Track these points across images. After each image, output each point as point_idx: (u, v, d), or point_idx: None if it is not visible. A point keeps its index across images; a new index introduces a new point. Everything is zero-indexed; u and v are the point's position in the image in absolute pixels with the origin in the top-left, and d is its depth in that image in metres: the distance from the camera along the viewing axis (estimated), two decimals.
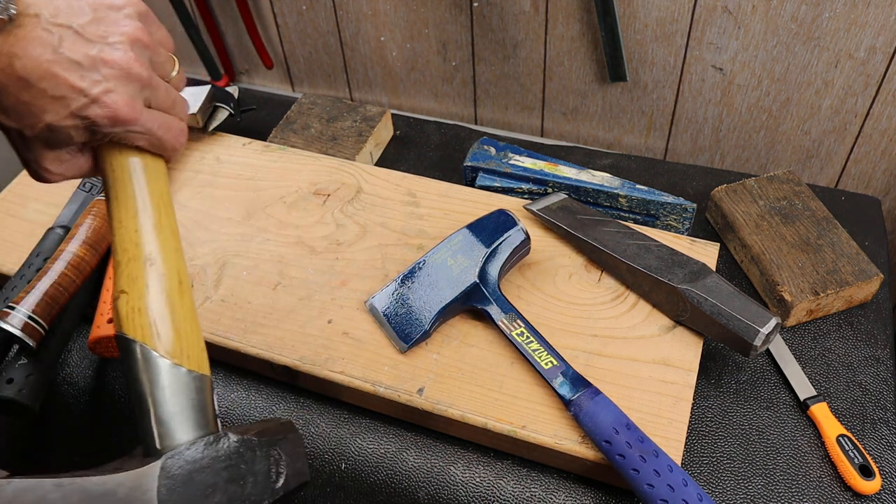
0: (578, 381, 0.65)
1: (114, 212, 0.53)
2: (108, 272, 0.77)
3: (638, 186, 0.88)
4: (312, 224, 0.84)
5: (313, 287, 0.78)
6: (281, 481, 0.51)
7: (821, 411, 0.73)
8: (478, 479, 0.70)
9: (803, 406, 0.74)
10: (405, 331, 0.71)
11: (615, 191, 0.87)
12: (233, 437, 0.48)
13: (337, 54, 1.22)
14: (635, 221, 0.88)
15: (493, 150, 0.94)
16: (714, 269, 0.74)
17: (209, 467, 0.47)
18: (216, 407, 0.51)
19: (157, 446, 0.48)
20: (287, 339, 0.74)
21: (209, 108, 0.96)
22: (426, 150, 1.07)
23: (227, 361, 0.79)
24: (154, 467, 0.45)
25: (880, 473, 0.69)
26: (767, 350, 0.79)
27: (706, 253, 0.78)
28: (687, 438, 0.71)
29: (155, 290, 0.51)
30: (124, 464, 0.47)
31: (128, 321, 0.50)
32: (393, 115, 1.10)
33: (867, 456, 0.69)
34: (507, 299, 0.71)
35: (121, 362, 0.50)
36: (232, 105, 0.98)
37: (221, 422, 0.71)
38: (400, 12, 1.11)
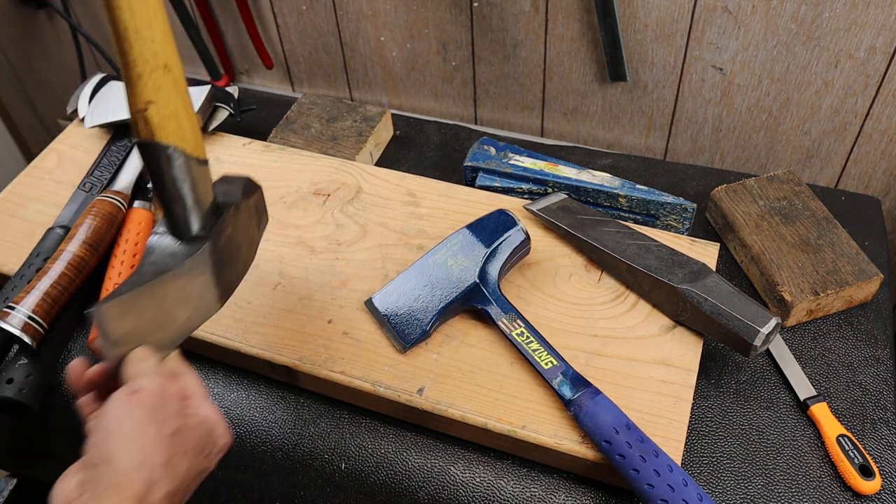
0: (578, 381, 0.65)
1: (128, 23, 0.52)
2: (108, 272, 0.77)
3: (638, 186, 0.88)
4: (312, 224, 0.84)
5: (313, 287, 0.78)
6: (263, 224, 0.68)
7: (821, 411, 0.73)
8: (478, 479, 0.70)
9: (803, 406, 0.74)
10: (405, 331, 0.71)
11: (615, 191, 0.87)
12: (242, 204, 0.62)
13: (337, 54, 1.22)
14: (635, 221, 0.88)
15: (493, 150, 0.94)
16: (714, 269, 0.74)
17: (236, 231, 0.61)
18: None
19: (194, 231, 0.58)
20: (287, 339, 0.74)
21: (209, 108, 0.96)
22: (426, 150, 1.07)
23: (227, 361, 0.79)
24: (206, 247, 0.57)
25: (880, 473, 0.69)
26: (767, 350, 0.79)
27: (706, 253, 0.78)
28: (687, 438, 0.71)
29: (176, 96, 0.55)
30: (173, 252, 0.57)
31: (160, 129, 0.54)
32: (393, 115, 1.10)
33: (867, 456, 0.69)
34: (507, 299, 0.71)
35: (149, 167, 0.56)
36: (232, 105, 0.98)
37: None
38: (400, 12, 1.11)
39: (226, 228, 0.59)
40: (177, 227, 0.57)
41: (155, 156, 0.55)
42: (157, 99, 0.54)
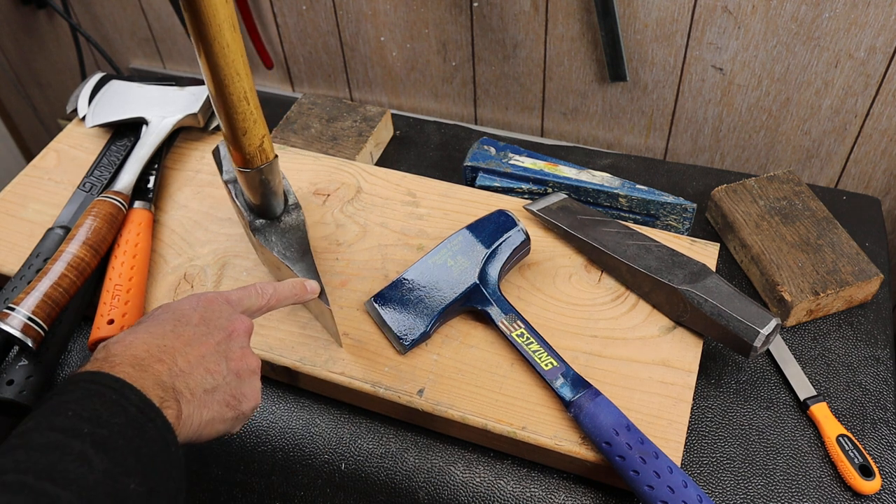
0: (578, 383, 0.65)
1: (245, 87, 0.63)
2: (108, 273, 0.77)
3: (638, 186, 0.88)
4: (312, 224, 0.84)
5: None
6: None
7: (821, 411, 0.73)
8: (478, 480, 0.70)
9: (803, 406, 0.74)
10: (405, 332, 0.71)
11: (615, 191, 0.87)
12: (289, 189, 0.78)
13: (337, 54, 1.22)
14: (635, 221, 0.88)
15: (493, 150, 0.94)
16: (714, 269, 0.74)
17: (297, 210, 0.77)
18: None
19: (280, 209, 0.75)
20: (287, 340, 0.74)
21: (209, 108, 0.96)
22: (426, 150, 1.07)
23: None
24: (300, 209, 0.76)
25: (880, 473, 0.69)
26: (767, 350, 0.79)
27: (706, 253, 0.78)
28: (687, 439, 0.71)
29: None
30: (282, 230, 0.73)
31: (270, 149, 0.69)
32: (393, 115, 1.10)
33: (867, 456, 0.69)
34: (507, 300, 0.71)
35: (264, 179, 0.70)
36: None
37: None
38: (400, 12, 1.11)
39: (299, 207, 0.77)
40: (272, 213, 0.74)
41: (270, 170, 0.70)
42: (265, 130, 0.67)
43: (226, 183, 0.77)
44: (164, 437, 0.46)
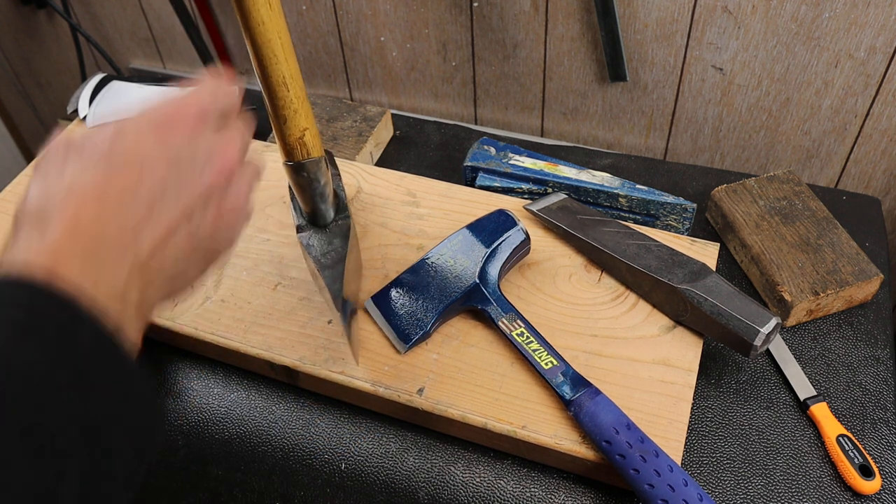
0: (578, 382, 0.65)
1: (284, 71, 0.60)
2: None
3: (638, 186, 0.88)
4: None
5: (313, 287, 0.78)
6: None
7: (821, 411, 0.73)
8: (478, 479, 0.70)
9: (803, 406, 0.74)
10: (405, 331, 0.71)
11: (615, 191, 0.87)
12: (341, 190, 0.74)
13: (337, 54, 1.22)
14: (635, 221, 0.88)
15: (493, 150, 0.94)
16: (714, 269, 0.74)
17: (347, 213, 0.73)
18: None
19: (331, 216, 0.71)
20: (287, 340, 0.74)
21: None
22: (426, 150, 1.07)
23: (228, 361, 0.79)
24: (352, 221, 0.72)
25: (880, 473, 0.69)
26: (767, 350, 0.79)
27: (706, 253, 0.78)
28: (687, 438, 0.71)
29: (312, 115, 0.65)
30: (328, 239, 0.70)
31: (314, 147, 0.65)
32: (393, 115, 1.10)
33: (867, 456, 0.69)
34: (507, 299, 0.71)
35: (307, 177, 0.66)
36: None
37: (218, 422, 0.71)
38: (400, 12, 1.11)
39: (346, 201, 0.74)
40: (321, 219, 0.71)
41: (311, 170, 0.66)
42: (308, 124, 0.64)
43: (297, 228, 0.73)
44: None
